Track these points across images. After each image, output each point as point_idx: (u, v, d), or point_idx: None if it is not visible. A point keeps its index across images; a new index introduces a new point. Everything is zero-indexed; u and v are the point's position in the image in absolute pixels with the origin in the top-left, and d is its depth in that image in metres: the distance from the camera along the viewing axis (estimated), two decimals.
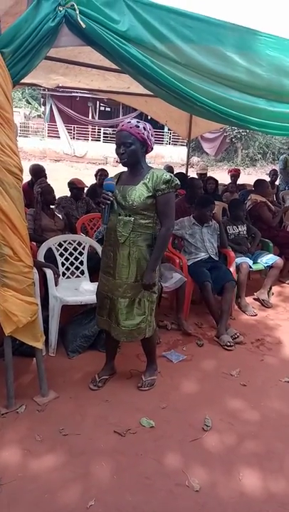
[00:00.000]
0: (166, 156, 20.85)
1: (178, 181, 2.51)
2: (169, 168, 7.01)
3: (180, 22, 2.43)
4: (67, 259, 3.70)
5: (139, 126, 2.41)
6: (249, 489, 2.13)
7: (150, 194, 2.45)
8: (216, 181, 6.58)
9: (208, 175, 7.22)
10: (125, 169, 2.63)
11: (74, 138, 21.37)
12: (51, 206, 4.18)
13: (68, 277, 3.70)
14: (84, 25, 2.15)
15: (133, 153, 2.44)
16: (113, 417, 2.57)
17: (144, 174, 2.50)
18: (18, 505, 1.93)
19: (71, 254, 3.72)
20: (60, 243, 3.68)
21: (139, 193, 2.45)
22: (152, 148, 2.56)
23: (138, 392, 2.83)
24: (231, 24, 2.59)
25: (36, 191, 4.07)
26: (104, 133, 21.60)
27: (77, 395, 2.75)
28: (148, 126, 2.47)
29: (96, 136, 21.76)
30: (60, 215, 4.25)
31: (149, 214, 2.50)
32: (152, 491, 2.07)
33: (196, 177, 6.53)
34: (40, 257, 3.46)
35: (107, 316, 2.67)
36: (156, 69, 2.41)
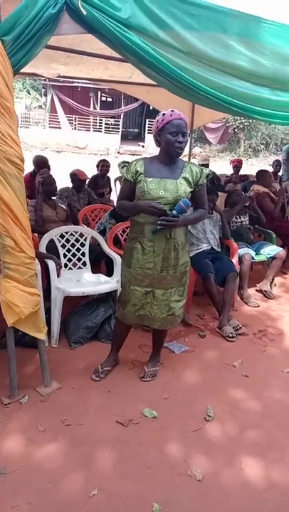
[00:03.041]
0: None
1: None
2: None
3: (182, 9, 2.38)
4: (69, 250, 3.70)
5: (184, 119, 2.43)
6: (251, 478, 2.14)
7: (192, 189, 2.52)
8: (213, 173, 6.51)
9: (210, 166, 7.18)
10: (148, 158, 2.58)
11: (75, 128, 21.23)
12: (53, 197, 4.16)
13: (70, 268, 3.69)
14: (85, 12, 2.12)
15: (186, 144, 2.45)
16: (116, 407, 2.58)
17: (180, 167, 2.50)
18: (21, 494, 1.94)
19: (73, 245, 3.72)
20: (61, 234, 3.67)
21: (183, 187, 2.45)
22: None
23: (140, 383, 2.84)
24: (235, 11, 2.54)
25: (38, 181, 4.05)
26: (105, 123, 21.44)
27: (80, 385, 2.76)
28: None
29: (98, 127, 21.61)
30: (63, 206, 4.23)
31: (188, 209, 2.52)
32: (155, 480, 2.09)
33: None
34: (42, 249, 3.45)
35: (144, 311, 2.64)
36: (159, 57, 2.38)
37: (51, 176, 4.12)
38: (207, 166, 6.92)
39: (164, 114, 2.42)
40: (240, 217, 4.60)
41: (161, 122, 2.41)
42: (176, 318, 2.73)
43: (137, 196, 2.52)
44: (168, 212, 2.39)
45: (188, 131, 2.37)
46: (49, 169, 5.10)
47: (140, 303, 2.63)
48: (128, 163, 2.58)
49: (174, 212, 2.39)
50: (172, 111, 2.41)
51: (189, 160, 7.56)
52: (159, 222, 2.39)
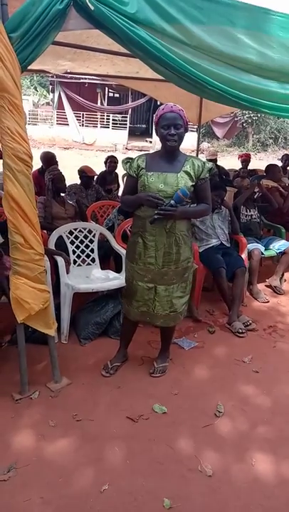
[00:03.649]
0: None
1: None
2: None
3: (189, 3, 2.36)
4: (77, 246, 3.70)
5: (183, 111, 2.41)
6: (262, 474, 2.14)
7: (193, 183, 2.48)
8: (222, 168, 6.49)
9: (218, 161, 7.14)
10: (150, 153, 2.58)
11: (83, 125, 21.21)
12: (61, 194, 4.17)
13: (79, 265, 3.70)
14: (92, 8, 2.11)
15: (181, 136, 2.42)
16: (125, 403, 2.59)
17: (181, 161, 2.48)
18: (32, 489, 1.96)
19: (82, 241, 3.72)
20: (70, 231, 3.68)
21: (184, 181, 2.43)
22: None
23: (150, 379, 2.84)
24: (242, 3, 2.51)
25: (48, 178, 4.05)
26: (113, 119, 21.41)
27: (90, 381, 2.77)
28: None
29: (105, 123, 21.58)
30: (71, 202, 4.24)
31: (188, 200, 2.51)
32: (165, 475, 2.09)
33: None
34: (51, 245, 3.46)
35: (147, 307, 2.64)
36: (166, 51, 2.36)
37: (61, 173, 4.12)
38: (215, 161, 6.88)
39: (158, 110, 2.44)
40: (249, 211, 4.57)
41: (156, 117, 2.45)
42: (178, 315, 2.70)
43: (138, 191, 2.53)
44: (166, 202, 2.39)
45: (184, 123, 2.37)
46: (57, 165, 5.11)
47: (143, 299, 2.63)
48: (131, 159, 2.60)
49: (172, 202, 2.39)
50: (166, 104, 2.41)
51: (197, 155, 7.53)
52: (156, 212, 2.39)
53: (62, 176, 4.10)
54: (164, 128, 2.39)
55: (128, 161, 2.62)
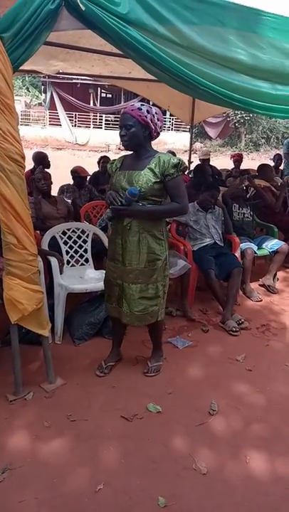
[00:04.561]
0: (169, 142, 20.60)
1: (186, 163, 2.50)
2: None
3: (181, 3, 2.37)
4: (71, 247, 3.70)
5: (141, 109, 2.38)
6: (256, 472, 2.15)
7: (158, 180, 2.42)
8: (213, 167, 6.53)
9: (210, 161, 7.16)
10: (129, 153, 2.60)
11: (75, 125, 21.19)
12: (53, 195, 4.17)
13: (73, 265, 3.70)
14: (84, 8, 2.11)
15: (133, 135, 2.41)
16: (120, 402, 2.59)
17: (149, 159, 2.46)
18: (27, 490, 1.96)
19: (75, 242, 3.72)
20: (63, 231, 3.68)
21: (146, 178, 2.41)
22: (158, 133, 2.51)
23: (144, 378, 2.85)
24: (233, 4, 2.53)
25: (32, 178, 4.08)
26: (106, 120, 21.39)
27: (84, 381, 2.77)
28: (154, 110, 2.43)
29: (98, 124, 21.57)
30: (69, 200, 4.26)
31: (156, 199, 2.47)
32: (160, 474, 2.10)
33: (200, 163, 6.48)
34: (45, 246, 3.46)
35: (117, 304, 2.67)
36: (158, 52, 2.37)
37: (43, 172, 4.12)
38: (208, 160, 6.90)
39: None
40: (241, 208, 4.59)
41: None
42: (145, 316, 2.62)
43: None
44: (119, 200, 2.42)
45: (139, 121, 2.38)
46: (48, 165, 5.11)
47: (114, 295, 2.66)
48: (115, 160, 2.69)
49: (123, 201, 2.41)
50: (123, 107, 2.48)
51: (190, 155, 7.56)
52: (107, 211, 2.48)
53: (43, 174, 4.07)
54: (119, 129, 2.49)
55: (112, 162, 2.70)
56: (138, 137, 2.42)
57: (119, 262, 2.58)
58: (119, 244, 2.55)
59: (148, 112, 2.39)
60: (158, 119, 2.45)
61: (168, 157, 2.45)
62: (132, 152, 2.56)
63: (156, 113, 2.44)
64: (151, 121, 2.41)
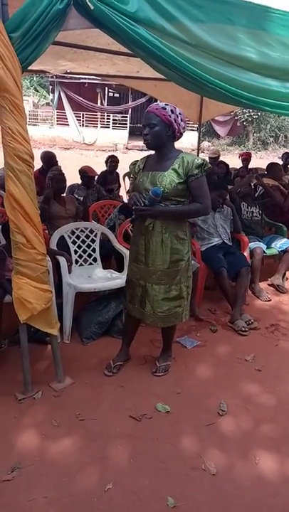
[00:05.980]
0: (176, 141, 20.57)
1: (210, 164, 2.49)
2: None
3: (189, 1, 2.35)
4: (79, 246, 3.71)
5: (165, 108, 2.39)
6: (266, 473, 2.14)
7: (182, 180, 2.41)
8: (227, 165, 6.52)
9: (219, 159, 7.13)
10: (152, 154, 2.59)
11: (83, 125, 21.22)
12: (62, 195, 4.17)
13: (81, 265, 3.71)
14: (92, 7, 2.11)
15: (156, 134, 2.40)
16: (128, 402, 2.59)
17: (172, 159, 2.45)
18: (36, 488, 1.96)
19: (83, 241, 3.72)
20: (72, 231, 3.68)
21: (169, 179, 2.40)
22: (181, 134, 2.50)
23: (153, 378, 2.84)
24: (242, 1, 2.50)
25: (48, 176, 4.08)
26: (113, 119, 21.40)
27: (93, 380, 2.77)
28: (178, 110, 2.43)
29: (105, 123, 21.57)
30: (81, 198, 4.27)
31: (180, 199, 2.46)
32: (169, 474, 2.09)
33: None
34: (53, 245, 3.47)
35: (139, 305, 2.65)
36: (167, 50, 2.36)
37: (62, 174, 4.11)
38: (217, 159, 6.88)
39: None
40: (250, 208, 4.56)
41: None
42: (169, 317, 2.62)
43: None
44: (142, 201, 2.41)
45: (162, 120, 2.37)
46: (57, 164, 5.12)
47: (137, 295, 2.65)
48: (137, 161, 2.66)
49: (146, 202, 2.40)
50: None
51: (198, 154, 7.54)
52: (132, 212, 2.47)
53: (63, 177, 4.09)
54: (143, 128, 2.46)
55: (134, 163, 2.68)
56: (161, 136, 2.42)
57: (142, 262, 2.57)
58: (142, 245, 2.54)
59: (172, 111, 2.39)
60: (181, 120, 2.44)
61: (192, 157, 2.45)
62: (154, 152, 2.55)
63: (180, 113, 2.44)
64: (175, 121, 2.41)
